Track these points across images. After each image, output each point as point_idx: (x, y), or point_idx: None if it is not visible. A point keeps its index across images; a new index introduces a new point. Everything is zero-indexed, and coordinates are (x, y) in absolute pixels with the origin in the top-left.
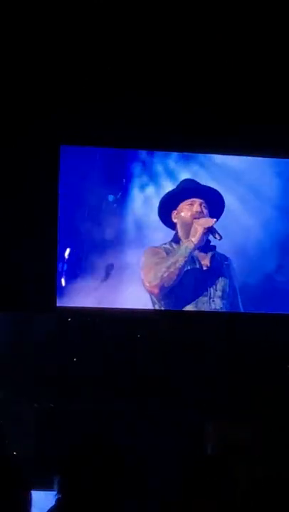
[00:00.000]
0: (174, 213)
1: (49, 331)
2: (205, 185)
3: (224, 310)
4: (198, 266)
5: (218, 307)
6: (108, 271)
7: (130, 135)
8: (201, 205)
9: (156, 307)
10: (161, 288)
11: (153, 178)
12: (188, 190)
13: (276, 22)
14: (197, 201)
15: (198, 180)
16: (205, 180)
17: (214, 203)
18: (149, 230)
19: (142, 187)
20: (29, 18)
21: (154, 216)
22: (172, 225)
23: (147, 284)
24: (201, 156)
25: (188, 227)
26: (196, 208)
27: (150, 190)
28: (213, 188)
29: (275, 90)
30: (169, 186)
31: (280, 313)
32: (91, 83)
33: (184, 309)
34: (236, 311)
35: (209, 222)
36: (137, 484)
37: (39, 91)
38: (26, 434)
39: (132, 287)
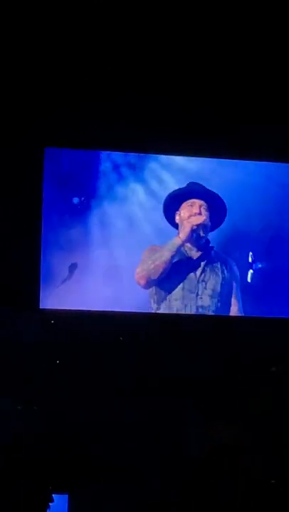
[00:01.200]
0: (177, 214)
1: (32, 333)
2: (209, 190)
3: (213, 308)
4: (189, 263)
5: (205, 304)
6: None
7: (113, 137)
8: (200, 206)
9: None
10: (148, 279)
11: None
12: (191, 192)
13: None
14: (197, 202)
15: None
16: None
17: (217, 208)
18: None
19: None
20: (17, 22)
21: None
22: (176, 226)
23: (136, 275)
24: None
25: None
26: (195, 209)
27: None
28: (216, 194)
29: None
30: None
31: (270, 317)
32: (76, 86)
33: (171, 312)
34: (227, 312)
35: (199, 219)
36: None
37: (24, 94)
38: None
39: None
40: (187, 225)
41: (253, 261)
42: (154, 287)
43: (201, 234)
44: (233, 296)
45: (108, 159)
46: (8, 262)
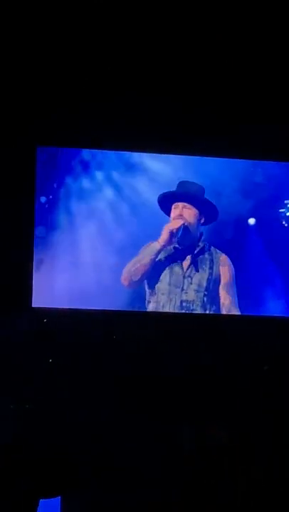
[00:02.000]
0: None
1: (24, 332)
2: (193, 189)
3: (198, 303)
4: (176, 260)
5: (189, 299)
6: None
7: (106, 136)
8: (183, 208)
9: None
10: (130, 281)
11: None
12: (176, 194)
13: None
14: (180, 205)
15: None
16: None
17: (206, 206)
18: None
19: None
20: (13, 20)
21: None
22: None
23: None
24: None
25: None
26: (177, 211)
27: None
28: (200, 195)
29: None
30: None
31: (261, 316)
32: (69, 85)
33: (163, 311)
34: (217, 305)
35: (176, 224)
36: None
37: (17, 93)
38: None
39: None
40: (166, 230)
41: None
42: (145, 281)
43: (174, 240)
44: (223, 290)
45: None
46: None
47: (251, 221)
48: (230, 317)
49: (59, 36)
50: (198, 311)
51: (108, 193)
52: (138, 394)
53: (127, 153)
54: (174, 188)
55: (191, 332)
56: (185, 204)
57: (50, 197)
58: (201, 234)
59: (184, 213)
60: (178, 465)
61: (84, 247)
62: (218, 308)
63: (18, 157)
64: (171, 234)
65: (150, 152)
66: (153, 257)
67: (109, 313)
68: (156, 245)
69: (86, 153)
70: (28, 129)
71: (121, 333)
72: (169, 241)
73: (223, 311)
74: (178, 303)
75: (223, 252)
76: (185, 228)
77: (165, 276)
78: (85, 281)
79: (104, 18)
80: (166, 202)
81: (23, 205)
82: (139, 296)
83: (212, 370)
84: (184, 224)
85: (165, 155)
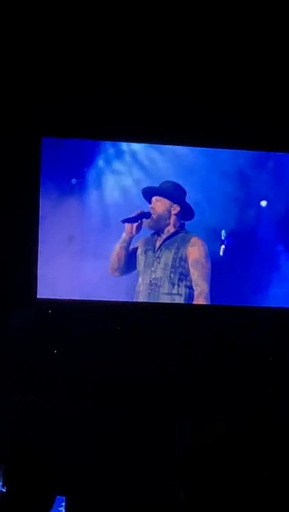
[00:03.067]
0: None
1: (29, 323)
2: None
3: (165, 279)
4: (150, 246)
5: (157, 276)
6: None
7: (110, 128)
8: (155, 201)
9: None
10: (113, 270)
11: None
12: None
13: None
14: (154, 198)
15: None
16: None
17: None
18: None
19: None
20: (14, 14)
21: None
22: None
23: None
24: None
25: None
26: (152, 204)
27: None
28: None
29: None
30: None
31: (256, 307)
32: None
33: (163, 302)
34: (187, 283)
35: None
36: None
37: (20, 85)
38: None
39: None
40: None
41: (225, 238)
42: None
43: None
44: (192, 267)
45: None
46: (5, 252)
47: (263, 203)
48: (230, 308)
49: (42, 31)
50: (166, 287)
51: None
52: (139, 385)
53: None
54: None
55: (190, 323)
56: (158, 197)
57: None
58: (174, 221)
59: (154, 205)
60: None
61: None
62: (190, 283)
63: (23, 148)
64: (131, 224)
65: (152, 143)
66: (123, 245)
67: (111, 304)
68: (124, 235)
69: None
70: (33, 120)
71: (125, 324)
72: (131, 230)
73: (193, 285)
74: (147, 281)
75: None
76: (150, 218)
77: (141, 261)
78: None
79: (107, 12)
80: (146, 195)
81: (28, 197)
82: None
83: (212, 362)
84: (140, 214)
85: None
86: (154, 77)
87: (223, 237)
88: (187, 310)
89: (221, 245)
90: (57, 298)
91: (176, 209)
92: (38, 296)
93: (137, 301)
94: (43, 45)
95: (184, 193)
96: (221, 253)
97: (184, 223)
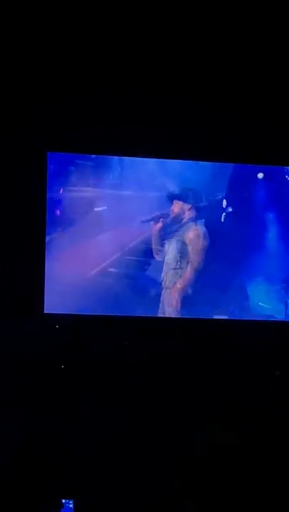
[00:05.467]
0: None
1: (36, 338)
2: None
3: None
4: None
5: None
6: None
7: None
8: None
9: None
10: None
11: None
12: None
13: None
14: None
15: None
16: None
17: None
18: None
19: None
20: (20, 29)
21: None
22: None
23: None
24: None
25: None
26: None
27: None
28: None
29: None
30: None
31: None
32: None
33: (172, 316)
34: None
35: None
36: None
37: (27, 100)
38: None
39: None
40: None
41: (225, 206)
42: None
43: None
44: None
45: None
46: (12, 267)
47: (260, 175)
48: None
49: (47, 43)
50: (173, 264)
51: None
52: (146, 397)
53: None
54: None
55: (195, 336)
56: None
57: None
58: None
59: (174, 207)
60: (183, 468)
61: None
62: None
63: (29, 163)
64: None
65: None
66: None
67: (120, 318)
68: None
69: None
70: (38, 135)
71: (132, 339)
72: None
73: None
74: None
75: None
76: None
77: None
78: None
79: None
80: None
81: (34, 212)
82: None
83: (219, 377)
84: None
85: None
86: (161, 91)
87: (224, 206)
88: (195, 323)
89: (222, 213)
90: (64, 313)
91: (190, 209)
92: (45, 311)
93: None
94: (48, 60)
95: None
96: (222, 219)
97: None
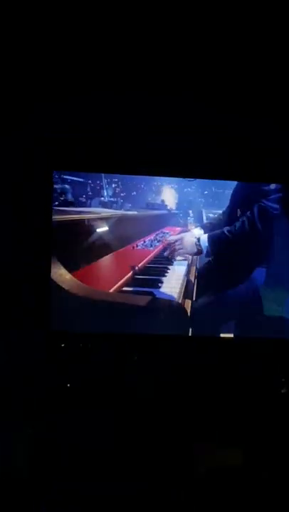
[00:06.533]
0: None
1: (42, 355)
2: None
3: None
4: None
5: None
6: None
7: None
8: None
9: None
10: None
11: None
12: None
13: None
14: None
15: None
16: None
17: None
18: None
19: None
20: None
21: None
22: None
23: None
24: None
25: None
26: None
27: None
28: None
29: None
30: None
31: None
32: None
33: (175, 334)
34: None
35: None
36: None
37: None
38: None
39: None
40: None
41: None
42: None
43: None
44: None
45: None
46: (18, 283)
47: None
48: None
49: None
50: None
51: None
52: (152, 415)
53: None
54: None
55: (203, 353)
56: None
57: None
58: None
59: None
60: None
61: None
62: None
63: (35, 181)
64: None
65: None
66: None
67: (127, 335)
68: None
69: None
70: (45, 153)
71: (139, 356)
72: None
73: None
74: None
75: None
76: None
77: None
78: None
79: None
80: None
81: (39, 228)
82: None
83: (225, 392)
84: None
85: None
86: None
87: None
88: (202, 341)
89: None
90: (70, 330)
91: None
92: (51, 329)
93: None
94: (54, 75)
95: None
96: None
97: None
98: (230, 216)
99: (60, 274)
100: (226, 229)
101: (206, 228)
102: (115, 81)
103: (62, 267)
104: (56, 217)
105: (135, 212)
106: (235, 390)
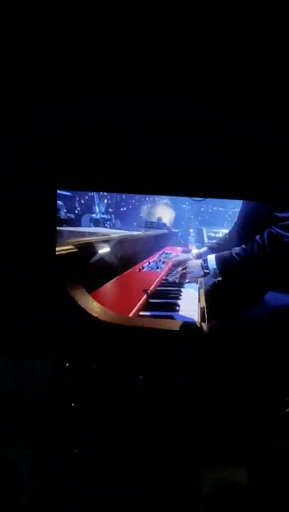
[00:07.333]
0: None
1: (47, 374)
2: None
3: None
4: None
5: None
6: None
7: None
8: None
9: None
10: None
11: None
12: None
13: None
14: None
15: None
16: None
17: None
18: None
19: None
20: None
21: None
22: None
23: None
24: None
25: None
26: None
27: None
28: None
29: None
30: None
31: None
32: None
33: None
34: None
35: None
36: None
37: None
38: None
39: None
40: None
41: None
42: None
43: None
44: None
45: None
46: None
47: None
48: None
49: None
50: None
51: None
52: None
53: None
54: None
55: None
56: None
57: None
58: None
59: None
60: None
61: None
62: None
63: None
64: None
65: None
66: None
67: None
68: None
69: None
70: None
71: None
72: None
73: None
74: None
75: None
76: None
77: None
78: None
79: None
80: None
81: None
82: None
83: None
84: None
85: None
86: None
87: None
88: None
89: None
90: None
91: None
92: None
93: None
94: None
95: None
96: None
97: None
98: (238, 237)
99: None
100: (234, 251)
101: (214, 249)
102: (115, 81)
103: None
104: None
105: (140, 233)
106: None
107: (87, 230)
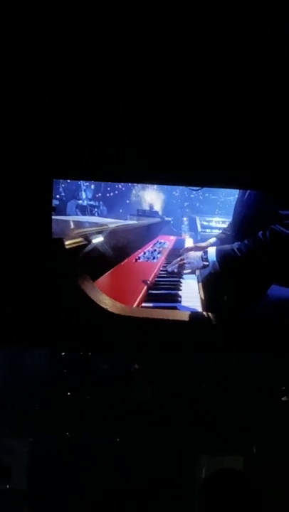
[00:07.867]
0: None
1: (43, 365)
2: None
3: None
4: None
5: None
6: None
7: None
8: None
9: None
10: None
11: None
12: None
13: None
14: None
15: None
16: None
17: None
18: None
19: None
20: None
21: None
22: None
23: None
24: None
25: None
26: None
27: None
28: None
29: None
30: None
31: None
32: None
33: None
34: None
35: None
36: None
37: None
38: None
39: None
40: None
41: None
42: None
43: None
44: None
45: None
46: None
47: None
48: None
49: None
50: None
51: None
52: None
53: None
54: None
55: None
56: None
57: None
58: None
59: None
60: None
61: None
62: None
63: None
64: None
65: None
66: None
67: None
68: None
69: None
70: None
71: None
72: None
73: None
74: None
75: None
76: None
77: None
78: None
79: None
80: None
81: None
82: None
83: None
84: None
85: None
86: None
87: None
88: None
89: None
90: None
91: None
92: None
93: None
94: (51, 88)
95: None
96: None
97: None
98: (239, 231)
99: None
100: (235, 246)
101: (223, 240)
102: (115, 81)
103: None
104: None
105: (135, 222)
106: (236, 398)
107: (87, 220)
